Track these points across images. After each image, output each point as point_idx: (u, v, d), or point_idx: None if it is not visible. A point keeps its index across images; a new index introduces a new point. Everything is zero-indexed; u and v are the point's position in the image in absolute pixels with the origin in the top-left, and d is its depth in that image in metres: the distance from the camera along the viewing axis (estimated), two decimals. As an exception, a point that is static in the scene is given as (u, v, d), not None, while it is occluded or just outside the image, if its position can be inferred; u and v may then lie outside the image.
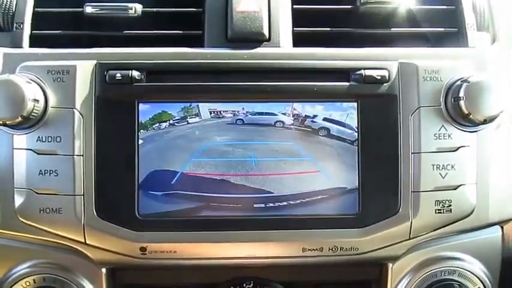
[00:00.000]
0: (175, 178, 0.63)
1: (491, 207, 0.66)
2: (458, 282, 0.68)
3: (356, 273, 0.71)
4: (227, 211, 0.63)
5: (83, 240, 0.62)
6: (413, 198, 0.63)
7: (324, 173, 0.63)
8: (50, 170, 0.61)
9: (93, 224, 0.62)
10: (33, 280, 0.66)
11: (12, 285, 0.66)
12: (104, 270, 0.67)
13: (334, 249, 0.63)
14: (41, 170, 0.61)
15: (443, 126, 0.63)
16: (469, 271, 0.69)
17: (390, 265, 0.68)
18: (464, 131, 0.63)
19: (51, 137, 0.61)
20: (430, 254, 0.69)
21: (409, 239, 0.64)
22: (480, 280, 0.69)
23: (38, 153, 0.61)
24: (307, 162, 0.64)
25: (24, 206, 0.62)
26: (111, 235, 0.62)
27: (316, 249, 0.63)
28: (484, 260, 0.70)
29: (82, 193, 0.62)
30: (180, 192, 0.63)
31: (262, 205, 0.63)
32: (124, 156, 0.62)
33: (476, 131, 0.64)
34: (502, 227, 0.70)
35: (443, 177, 0.63)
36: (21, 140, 0.62)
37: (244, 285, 0.70)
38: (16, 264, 0.67)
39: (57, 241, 0.63)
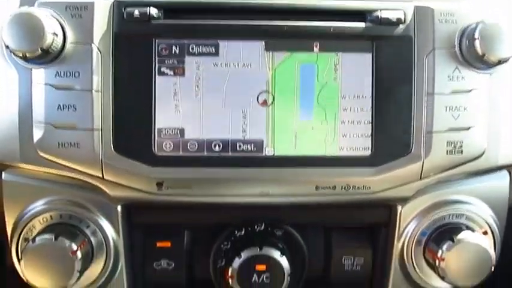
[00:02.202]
0: None
1: (501, 150, 0.68)
2: (465, 225, 0.69)
3: (366, 216, 0.72)
4: (243, 151, 0.64)
5: (101, 176, 0.64)
6: (425, 139, 0.64)
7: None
8: (68, 105, 0.62)
9: (111, 159, 0.63)
10: (50, 216, 0.68)
11: (29, 222, 0.67)
12: (119, 208, 0.68)
13: (346, 187, 0.65)
14: (59, 105, 0.62)
15: (457, 68, 0.64)
16: (477, 215, 0.70)
17: (399, 208, 0.70)
18: (478, 73, 0.64)
19: (69, 72, 0.62)
20: (438, 197, 0.70)
21: (420, 179, 0.65)
22: (487, 224, 0.70)
23: (56, 88, 0.62)
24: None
25: (43, 140, 0.63)
26: (128, 171, 0.63)
27: (329, 187, 0.65)
28: (492, 205, 0.71)
29: (100, 128, 0.63)
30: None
31: None
32: (141, 93, 0.63)
33: (489, 74, 0.65)
34: (510, 172, 0.71)
35: (455, 119, 0.64)
36: (40, 74, 0.62)
37: (256, 227, 0.72)
38: (33, 201, 0.68)
39: (76, 176, 0.65)
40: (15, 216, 0.68)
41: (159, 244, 0.73)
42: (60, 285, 0.64)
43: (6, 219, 0.69)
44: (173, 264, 0.74)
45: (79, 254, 0.64)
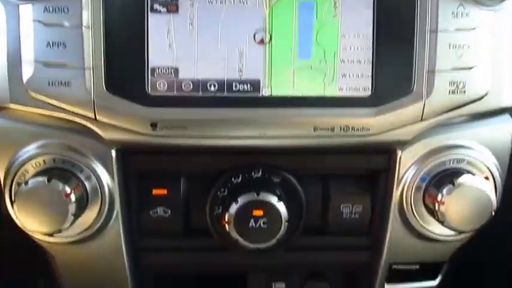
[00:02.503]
0: None
1: (505, 91, 0.66)
2: (466, 170, 0.68)
3: (365, 162, 0.71)
4: (239, 91, 0.63)
5: (93, 116, 0.62)
6: (427, 78, 0.63)
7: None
8: (58, 42, 0.61)
9: (103, 99, 0.62)
10: (43, 161, 0.67)
11: (21, 166, 0.67)
12: (114, 152, 0.67)
13: (345, 129, 0.63)
14: (48, 42, 0.61)
15: (461, 4, 0.62)
16: (478, 160, 0.69)
17: (399, 153, 0.69)
18: (483, 9, 0.62)
19: (58, 8, 0.60)
20: (438, 142, 0.69)
21: (421, 120, 0.64)
22: (489, 169, 0.70)
23: (45, 25, 0.60)
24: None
25: (33, 79, 0.62)
26: (121, 111, 0.62)
27: (328, 128, 0.63)
28: (493, 149, 0.70)
29: (91, 66, 0.61)
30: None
31: None
32: (134, 31, 0.61)
33: (494, 11, 0.63)
34: (512, 116, 0.70)
35: (459, 58, 0.63)
36: (27, 10, 0.61)
37: (253, 173, 0.71)
38: (25, 145, 0.67)
39: (68, 118, 0.63)
40: (7, 161, 0.67)
41: (155, 191, 0.73)
42: (53, 228, 0.64)
43: None
44: (169, 212, 0.73)
45: (73, 197, 0.64)
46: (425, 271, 0.80)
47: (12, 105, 0.64)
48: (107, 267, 0.76)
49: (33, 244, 0.77)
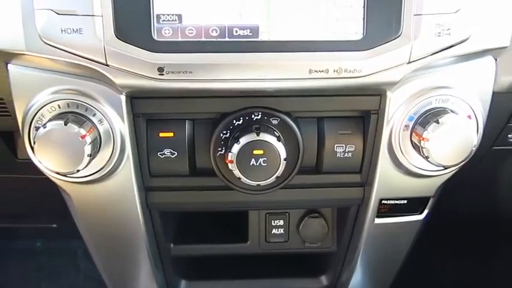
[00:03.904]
0: None
1: (487, 33, 0.70)
2: (450, 109, 0.73)
3: (357, 104, 0.76)
4: (239, 36, 0.67)
5: (104, 62, 0.66)
6: (415, 21, 0.66)
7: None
8: None
9: (113, 45, 0.65)
10: (58, 105, 0.71)
11: (38, 111, 0.71)
12: (123, 97, 0.72)
13: (338, 70, 0.67)
14: None
15: None
16: (461, 99, 0.74)
17: (389, 94, 0.74)
18: None
19: None
20: (425, 84, 0.74)
21: (409, 62, 0.68)
22: (471, 108, 0.75)
23: None
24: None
25: (46, 26, 0.65)
26: (130, 56, 0.66)
27: (322, 70, 0.67)
28: (476, 89, 0.75)
29: (101, 14, 0.64)
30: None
31: None
32: None
33: None
34: (495, 59, 0.75)
35: (444, 1, 0.66)
36: None
37: (253, 116, 0.76)
38: (40, 91, 0.71)
39: (81, 63, 0.67)
40: (24, 106, 0.72)
41: (162, 134, 0.77)
42: (71, 168, 0.69)
43: (16, 109, 0.72)
44: (176, 153, 0.78)
45: (88, 139, 0.68)
46: (413, 206, 0.87)
47: (27, 53, 0.67)
48: (119, 205, 0.82)
49: (48, 187, 0.83)
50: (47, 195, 0.95)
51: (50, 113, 0.71)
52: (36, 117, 0.71)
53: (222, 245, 0.98)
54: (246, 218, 0.95)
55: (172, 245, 0.95)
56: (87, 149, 0.68)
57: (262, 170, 0.73)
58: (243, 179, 0.74)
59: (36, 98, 0.71)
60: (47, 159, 0.68)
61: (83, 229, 0.89)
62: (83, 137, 0.68)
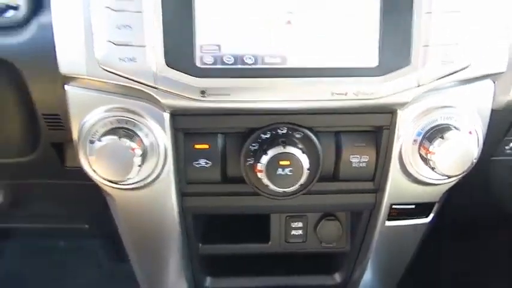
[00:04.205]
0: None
1: (485, 61, 0.80)
2: (453, 126, 0.83)
3: (371, 120, 0.86)
4: (271, 63, 0.77)
5: (154, 85, 0.76)
6: (423, 52, 0.76)
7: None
8: (124, 25, 0.73)
9: (162, 71, 0.75)
10: (110, 122, 0.81)
11: (92, 126, 0.80)
12: (167, 114, 0.81)
13: (356, 93, 0.77)
14: (117, 25, 0.73)
15: None
16: (463, 117, 0.83)
17: (399, 112, 0.83)
18: None
19: None
20: (431, 103, 0.83)
21: (418, 86, 0.78)
22: (472, 125, 0.84)
23: (114, 10, 0.73)
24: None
25: (105, 55, 0.74)
26: (176, 81, 0.75)
27: (342, 93, 0.77)
28: (477, 108, 0.84)
29: (152, 45, 0.74)
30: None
31: None
32: (184, 14, 0.74)
33: None
34: (494, 81, 0.84)
35: (448, 35, 0.76)
36: None
37: (279, 130, 0.86)
38: (93, 108, 0.80)
39: (132, 86, 0.76)
40: (80, 122, 0.81)
41: (197, 146, 0.86)
42: (122, 177, 0.79)
43: (72, 125, 0.81)
44: (210, 163, 0.87)
45: (138, 151, 0.78)
46: (420, 210, 0.96)
47: (87, 77, 0.77)
48: (158, 208, 0.91)
49: (86, 192, 0.93)
50: (86, 199, 1.06)
51: (103, 128, 0.80)
52: (91, 131, 0.81)
53: (246, 245, 1.07)
54: (267, 220, 1.05)
55: (200, 244, 1.05)
56: (137, 161, 0.78)
57: (288, 179, 0.82)
58: (271, 186, 0.83)
59: (90, 115, 0.80)
60: (102, 169, 0.78)
61: (123, 229, 0.99)
62: (133, 149, 0.78)
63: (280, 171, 0.82)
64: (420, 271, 1.16)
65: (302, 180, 0.83)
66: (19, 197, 1.04)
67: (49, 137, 0.88)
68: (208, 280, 1.15)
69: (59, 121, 0.85)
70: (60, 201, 1.15)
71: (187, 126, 0.85)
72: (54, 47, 0.77)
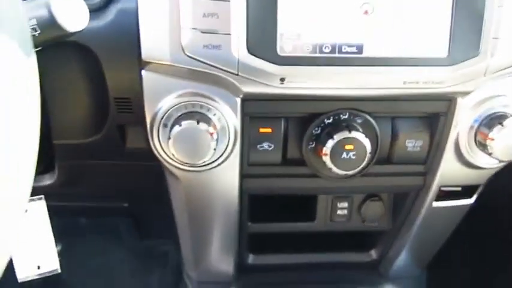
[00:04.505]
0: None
1: None
2: (510, 113, 0.88)
3: (429, 107, 0.90)
4: (347, 53, 0.80)
5: (236, 72, 0.78)
6: (492, 43, 0.80)
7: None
8: (211, 13, 0.75)
9: (245, 59, 0.77)
10: (184, 106, 0.82)
11: (168, 111, 0.82)
12: (239, 99, 0.84)
13: (427, 82, 0.81)
14: (204, 13, 0.75)
15: None
16: None
17: (459, 100, 0.87)
18: None
19: None
20: (490, 92, 0.87)
21: (484, 75, 0.82)
22: None
23: None
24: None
25: (191, 43, 0.76)
26: (259, 68, 0.77)
27: (414, 82, 0.81)
28: None
29: (237, 34, 0.76)
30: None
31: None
32: (267, 4, 0.76)
33: None
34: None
35: None
36: None
37: (341, 116, 0.89)
38: (168, 94, 0.82)
39: (214, 73, 0.78)
40: (154, 107, 0.83)
41: (262, 130, 0.90)
42: (199, 160, 0.82)
43: (146, 109, 0.83)
44: (273, 146, 0.91)
45: (215, 135, 0.81)
46: (465, 192, 1.02)
47: (170, 63, 0.79)
48: (221, 189, 0.94)
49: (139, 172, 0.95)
50: (132, 179, 1.08)
51: (177, 112, 0.83)
52: (165, 115, 0.83)
53: (292, 224, 1.12)
54: (314, 200, 1.09)
55: (249, 223, 1.09)
56: (213, 144, 0.81)
57: (351, 162, 0.87)
58: (334, 169, 0.87)
59: (165, 99, 0.82)
60: (180, 152, 0.81)
61: (181, 208, 1.02)
62: (211, 134, 0.81)
63: (344, 155, 0.86)
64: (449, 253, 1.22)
65: (363, 164, 0.87)
66: (70, 177, 1.05)
67: (116, 119, 0.90)
68: (251, 257, 1.20)
69: (129, 104, 0.87)
70: (107, 180, 1.17)
71: (255, 111, 0.88)
72: (134, 32, 0.78)
